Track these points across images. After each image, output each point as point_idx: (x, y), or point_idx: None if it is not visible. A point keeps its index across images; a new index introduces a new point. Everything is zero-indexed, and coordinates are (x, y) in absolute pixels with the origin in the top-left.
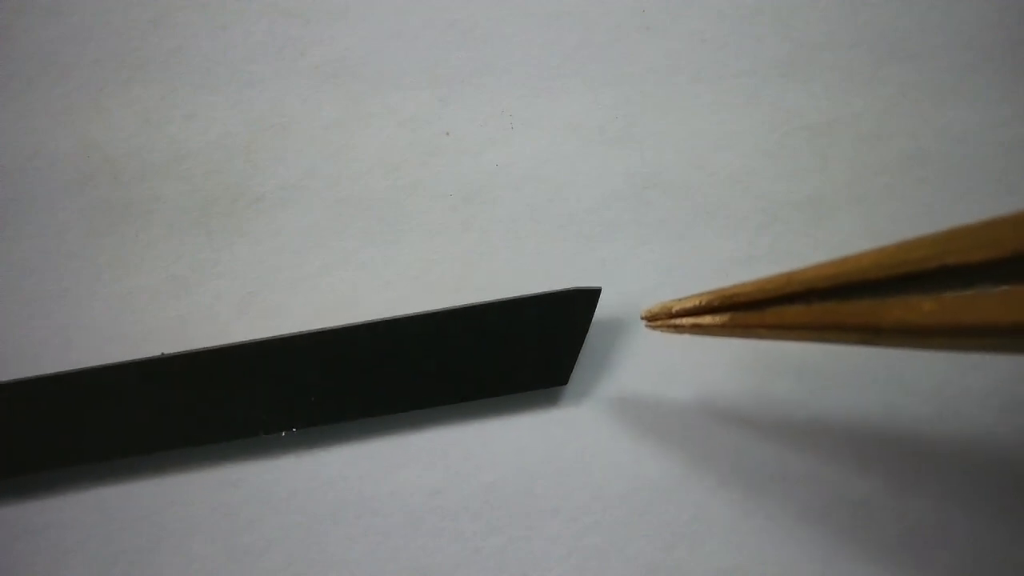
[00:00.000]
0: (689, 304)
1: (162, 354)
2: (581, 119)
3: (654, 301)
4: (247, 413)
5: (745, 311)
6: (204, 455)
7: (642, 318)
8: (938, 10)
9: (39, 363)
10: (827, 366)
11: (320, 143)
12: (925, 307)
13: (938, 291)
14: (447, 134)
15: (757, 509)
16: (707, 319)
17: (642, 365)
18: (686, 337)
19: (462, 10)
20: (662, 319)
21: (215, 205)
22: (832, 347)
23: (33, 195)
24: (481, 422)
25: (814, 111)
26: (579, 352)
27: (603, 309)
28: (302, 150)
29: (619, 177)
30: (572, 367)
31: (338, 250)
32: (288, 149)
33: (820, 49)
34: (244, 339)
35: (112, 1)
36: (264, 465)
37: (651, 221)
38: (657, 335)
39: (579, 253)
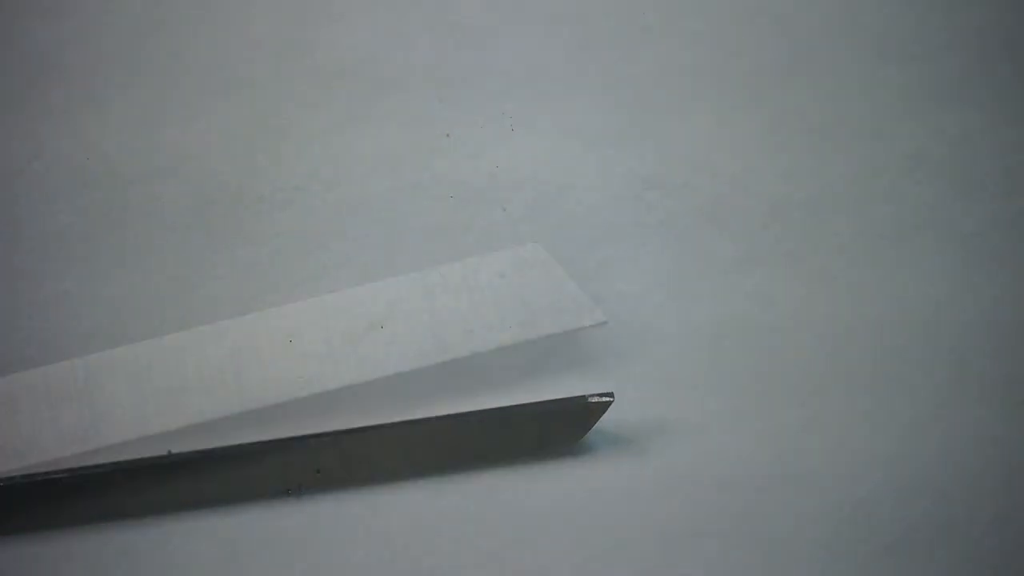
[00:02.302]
0: None
1: (168, 452)
2: (581, 120)
3: (654, 303)
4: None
5: None
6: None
7: None
8: (938, 12)
9: (39, 362)
10: (826, 368)
11: (320, 145)
12: None
13: None
14: (447, 136)
15: (760, 510)
16: None
17: (641, 368)
18: (685, 338)
19: (462, 12)
20: None
21: (215, 207)
22: (831, 352)
23: (33, 197)
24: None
25: (814, 111)
26: (589, 429)
27: (603, 310)
28: (302, 152)
29: (619, 178)
30: (581, 437)
31: (338, 251)
32: (288, 151)
33: (820, 49)
34: (248, 338)
35: (113, 3)
36: (277, 510)
37: (651, 222)
38: (656, 338)
39: (579, 254)
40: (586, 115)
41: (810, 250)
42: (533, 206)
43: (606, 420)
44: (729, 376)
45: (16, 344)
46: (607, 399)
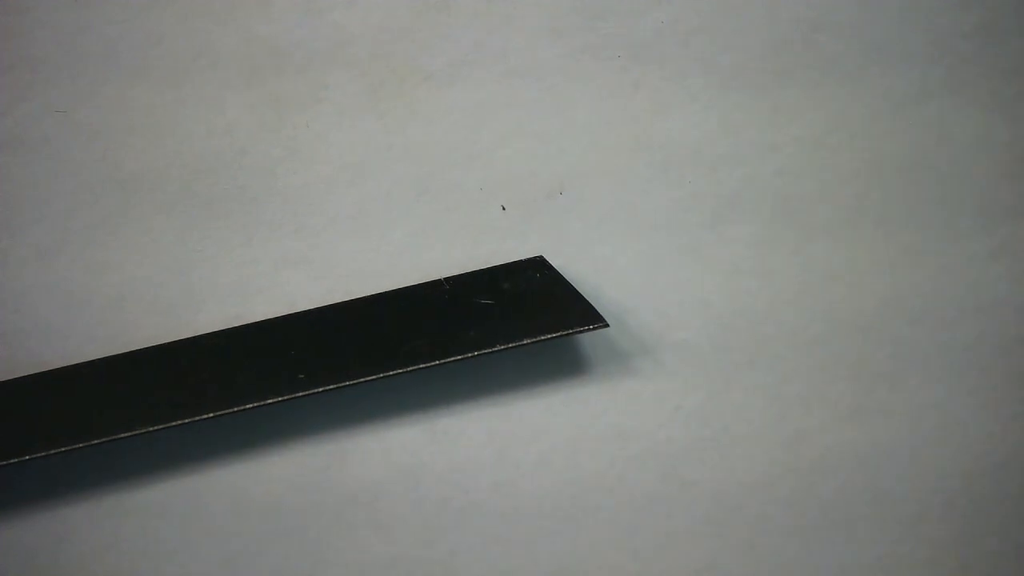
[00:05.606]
0: None
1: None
2: (581, 119)
3: (656, 305)
4: (249, 387)
5: None
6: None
7: None
8: (939, 11)
9: (38, 359)
10: (826, 359)
11: (318, 144)
12: None
13: None
14: (447, 135)
15: (764, 509)
16: None
17: (648, 374)
18: (689, 341)
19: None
20: None
21: (215, 206)
22: (830, 344)
23: (39, 187)
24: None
25: (813, 111)
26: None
27: (605, 313)
28: (299, 151)
29: (617, 179)
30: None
31: (333, 255)
32: (285, 150)
33: (818, 49)
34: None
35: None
36: (286, 456)
37: (651, 224)
38: (655, 343)
39: (579, 253)
40: (591, 115)
41: (810, 253)
42: (533, 205)
43: (613, 418)
44: (735, 369)
45: (14, 340)
46: (602, 325)
